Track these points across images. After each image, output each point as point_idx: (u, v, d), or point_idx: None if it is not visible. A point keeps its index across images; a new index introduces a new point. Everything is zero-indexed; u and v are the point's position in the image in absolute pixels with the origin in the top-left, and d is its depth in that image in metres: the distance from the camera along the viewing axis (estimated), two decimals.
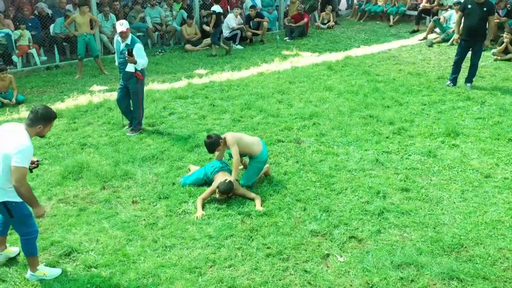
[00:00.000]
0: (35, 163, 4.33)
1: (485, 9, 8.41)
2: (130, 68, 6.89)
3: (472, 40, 8.60)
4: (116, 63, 7.31)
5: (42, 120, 3.91)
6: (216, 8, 11.76)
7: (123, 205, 5.32)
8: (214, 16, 11.79)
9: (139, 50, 6.84)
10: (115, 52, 7.33)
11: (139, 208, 5.25)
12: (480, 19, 8.46)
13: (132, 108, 7.29)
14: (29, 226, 4.05)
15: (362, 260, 4.30)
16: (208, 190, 5.32)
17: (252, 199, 5.27)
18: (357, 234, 4.68)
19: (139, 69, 6.92)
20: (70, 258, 4.45)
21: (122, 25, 6.85)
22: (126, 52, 6.76)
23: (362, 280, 4.07)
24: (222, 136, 5.53)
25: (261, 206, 5.14)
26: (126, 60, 6.82)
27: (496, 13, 8.78)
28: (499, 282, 4.03)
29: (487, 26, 8.56)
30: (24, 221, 4.02)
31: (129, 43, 6.88)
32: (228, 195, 5.27)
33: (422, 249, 4.41)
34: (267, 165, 5.83)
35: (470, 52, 8.82)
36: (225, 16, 13.50)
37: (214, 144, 5.44)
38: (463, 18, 8.79)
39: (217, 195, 5.25)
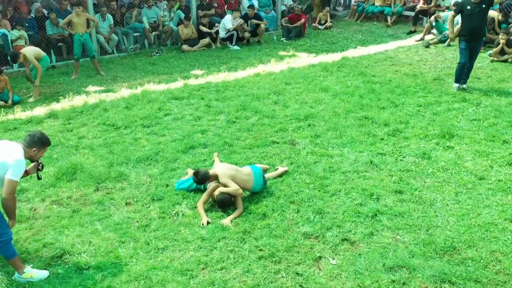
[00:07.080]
0: (40, 165, 4.44)
1: (484, 5, 8.26)
2: None
3: (474, 40, 8.51)
4: None
5: (37, 144, 4.13)
6: None
7: (116, 207, 5.31)
8: None
9: None
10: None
11: (132, 210, 5.25)
12: (481, 18, 8.35)
13: None
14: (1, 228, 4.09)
15: (354, 263, 4.29)
16: (205, 193, 5.24)
17: (235, 208, 5.16)
18: (349, 237, 4.67)
19: None
20: (62, 260, 4.44)
21: None
22: None
23: (354, 283, 4.06)
24: (211, 172, 5.30)
25: (231, 222, 4.92)
26: None
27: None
28: (491, 285, 4.02)
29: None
30: None
31: None
32: (225, 206, 5.18)
33: (414, 251, 4.41)
34: (285, 167, 5.96)
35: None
36: (222, 17, 13.50)
37: (204, 177, 5.23)
38: (460, 19, 8.75)
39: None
